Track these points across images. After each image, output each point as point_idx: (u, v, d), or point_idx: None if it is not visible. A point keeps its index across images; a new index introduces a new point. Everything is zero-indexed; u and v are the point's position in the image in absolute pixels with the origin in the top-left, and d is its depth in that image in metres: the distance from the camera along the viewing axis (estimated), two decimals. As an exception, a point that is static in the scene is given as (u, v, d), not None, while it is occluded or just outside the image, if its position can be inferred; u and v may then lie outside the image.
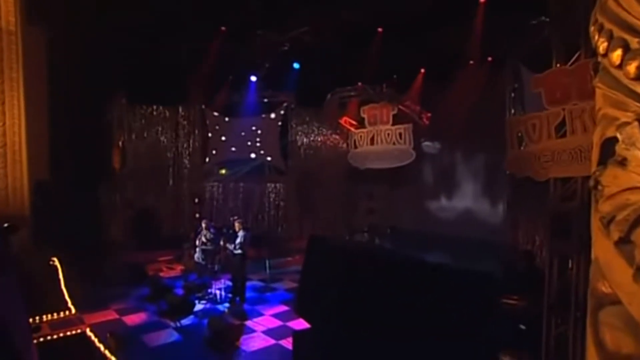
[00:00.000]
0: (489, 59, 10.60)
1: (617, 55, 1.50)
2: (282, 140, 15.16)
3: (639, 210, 1.43)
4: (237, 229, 9.26)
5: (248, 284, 9.71)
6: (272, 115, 15.07)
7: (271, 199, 15.12)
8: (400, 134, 13.17)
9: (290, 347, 6.37)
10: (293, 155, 15.28)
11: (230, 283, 9.43)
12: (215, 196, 14.68)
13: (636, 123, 1.46)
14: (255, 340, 7.31)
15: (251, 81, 13.87)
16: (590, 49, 5.61)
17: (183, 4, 9.86)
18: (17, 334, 3.79)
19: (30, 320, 6.08)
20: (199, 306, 8.67)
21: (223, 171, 14.98)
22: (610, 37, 1.54)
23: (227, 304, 9.01)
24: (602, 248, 1.59)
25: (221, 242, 9.68)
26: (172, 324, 7.79)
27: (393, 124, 13.33)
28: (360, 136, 14.15)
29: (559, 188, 6.41)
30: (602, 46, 1.57)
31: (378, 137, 13.64)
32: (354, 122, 14.36)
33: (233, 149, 14.89)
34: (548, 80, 6.54)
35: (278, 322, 8.13)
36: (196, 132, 14.51)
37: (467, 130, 11.00)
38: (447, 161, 13.10)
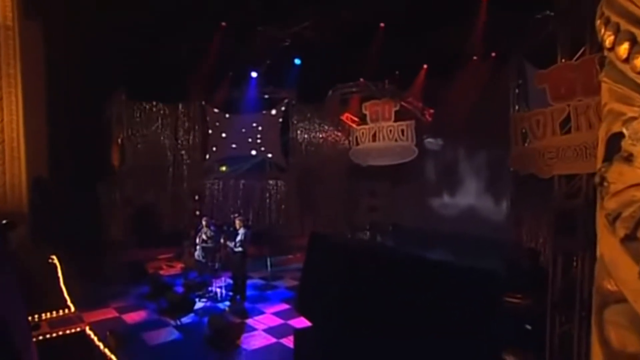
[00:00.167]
0: (493, 54, 10.50)
1: (624, 48, 1.48)
2: (283, 137, 15.10)
3: None
4: (237, 226, 9.21)
5: (249, 282, 9.67)
6: (273, 112, 15.00)
7: (272, 197, 15.08)
8: (402, 131, 13.08)
9: (291, 345, 6.32)
10: (294, 152, 15.22)
11: (230, 281, 9.38)
12: (216, 193, 14.63)
13: None
14: (256, 339, 7.26)
15: (252, 77, 13.79)
16: (596, 44, 5.55)
17: (183, 0, 9.78)
18: (17, 332, 3.76)
19: (29, 318, 6.06)
20: (199, 304, 8.63)
21: (223, 168, 14.93)
22: (617, 31, 1.52)
23: (227, 302, 8.97)
24: (608, 245, 1.58)
25: (221, 240, 9.63)
26: (172, 322, 7.75)
27: (395, 121, 13.24)
28: (362, 133, 14.06)
29: (563, 185, 6.37)
30: (608, 40, 1.56)
31: (380, 133, 13.55)
32: (355, 119, 14.27)
33: (233, 145, 14.82)
34: (553, 75, 6.47)
35: (279, 321, 8.08)
36: (196, 128, 14.45)
37: (470, 126, 10.91)
38: (449, 158, 13.00)
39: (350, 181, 15.16)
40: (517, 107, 9.05)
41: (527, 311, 6.60)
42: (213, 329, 7.11)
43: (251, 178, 14.86)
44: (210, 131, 14.69)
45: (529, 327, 6.47)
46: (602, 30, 1.59)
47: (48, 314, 6.87)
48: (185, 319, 7.88)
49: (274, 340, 7.21)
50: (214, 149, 14.75)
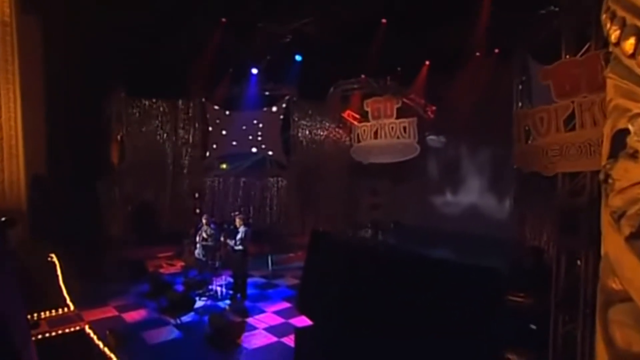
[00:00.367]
0: (496, 50, 10.40)
1: (630, 43, 1.47)
2: (283, 134, 15.01)
3: None
4: (238, 224, 9.18)
5: (249, 280, 9.64)
6: (274, 109, 14.92)
7: (273, 194, 15.01)
8: (404, 128, 13.01)
9: (292, 344, 6.31)
10: (295, 150, 15.13)
11: (231, 279, 9.35)
12: (216, 191, 14.56)
13: None
14: (257, 338, 7.24)
15: (252, 74, 13.68)
16: (601, 40, 5.51)
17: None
18: (16, 331, 3.73)
19: (29, 317, 6.02)
20: (199, 303, 8.61)
21: (224, 166, 14.87)
22: (622, 25, 1.50)
23: (228, 301, 8.95)
24: (613, 244, 1.58)
25: (222, 238, 9.57)
26: (172, 321, 7.73)
27: (397, 118, 13.16)
28: (364, 130, 13.98)
29: (567, 183, 6.37)
30: (614, 34, 1.54)
31: (382, 131, 13.47)
32: (357, 116, 14.19)
33: (234, 143, 14.75)
34: (557, 72, 6.47)
35: (280, 319, 8.05)
36: (196, 126, 14.37)
37: (473, 123, 10.85)
38: (452, 155, 12.93)
39: (351, 179, 15.09)
40: (520, 104, 8.96)
41: (530, 310, 6.56)
42: (213, 328, 7.09)
43: (252, 176, 14.80)
44: (210, 128, 14.62)
45: (533, 326, 6.40)
46: (608, 25, 1.58)
47: (47, 313, 6.81)
48: (186, 318, 7.85)
49: (274, 339, 7.18)
50: (214, 146, 14.68)
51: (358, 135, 14.19)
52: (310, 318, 5.60)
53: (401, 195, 14.18)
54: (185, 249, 11.46)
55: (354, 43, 11.23)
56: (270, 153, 14.96)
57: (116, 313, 8.14)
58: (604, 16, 1.63)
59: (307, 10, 10.59)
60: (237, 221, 9.23)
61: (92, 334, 6.40)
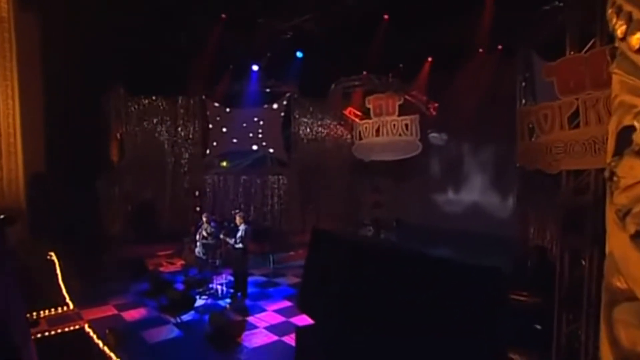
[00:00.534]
0: (499, 46, 10.32)
1: (636, 38, 1.45)
2: (284, 132, 14.94)
3: None
4: (238, 222, 9.14)
5: (250, 279, 9.60)
6: (275, 106, 14.85)
7: (273, 192, 14.95)
8: (406, 125, 12.93)
9: (293, 343, 6.27)
10: (296, 147, 15.06)
11: (231, 278, 9.32)
12: (216, 189, 14.50)
13: None
14: (257, 337, 7.20)
15: (253, 71, 13.61)
16: (606, 35, 5.45)
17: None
18: (16, 329, 3.70)
19: (28, 315, 5.99)
20: (199, 302, 8.57)
21: (224, 163, 14.83)
22: (629, 20, 1.48)
23: (228, 300, 8.90)
24: (618, 242, 1.57)
25: (222, 236, 9.53)
26: (172, 319, 7.69)
27: (399, 115, 13.08)
28: (365, 127, 13.92)
29: (571, 181, 6.34)
30: (620, 29, 1.53)
31: (383, 128, 13.40)
32: (358, 113, 14.13)
33: (234, 140, 14.70)
34: (561, 68, 6.44)
35: (281, 318, 8.01)
36: (196, 123, 14.31)
37: (476, 121, 10.80)
38: (454, 153, 12.89)
39: (353, 177, 15.06)
40: (524, 101, 8.88)
41: (534, 309, 6.50)
42: (214, 327, 7.06)
43: (252, 173, 14.75)
44: (210, 126, 14.57)
45: (538, 327, 6.35)
46: (614, 20, 1.55)
47: (47, 312, 6.79)
48: (186, 317, 7.82)
49: (275, 338, 7.14)
50: (215, 143, 14.63)
51: (359, 132, 14.13)
52: (312, 317, 5.57)
53: (403, 193, 14.14)
54: (185, 247, 11.43)
55: (356, 39, 11.17)
56: (271, 151, 14.91)
57: (116, 312, 8.10)
58: (609, 11, 1.60)
59: (308, 7, 10.50)
60: (238, 219, 9.18)
61: (91, 333, 6.38)
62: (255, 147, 14.76)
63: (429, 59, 12.23)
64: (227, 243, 9.34)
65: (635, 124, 1.47)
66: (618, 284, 1.57)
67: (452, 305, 3.88)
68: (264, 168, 14.94)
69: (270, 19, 11.15)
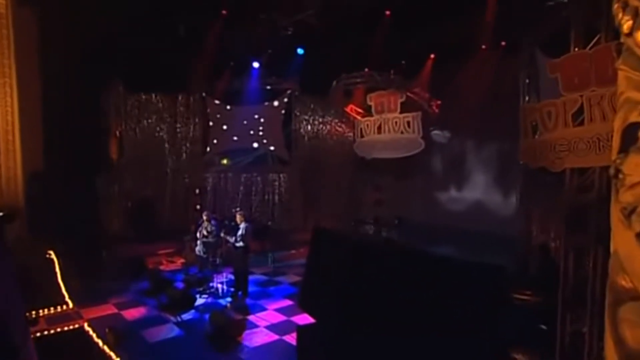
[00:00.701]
0: (502, 43, 10.23)
1: None
2: (285, 129, 14.87)
3: None
4: (238, 221, 9.10)
5: (251, 277, 9.57)
6: (275, 103, 14.78)
7: (274, 190, 14.91)
8: (408, 123, 12.84)
9: (294, 342, 6.32)
10: (297, 145, 15.00)
11: (232, 276, 9.28)
12: (217, 187, 14.45)
13: None
14: (258, 336, 7.18)
15: (253, 67, 13.53)
16: (611, 32, 5.38)
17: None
18: (15, 328, 3.70)
19: (27, 314, 5.97)
20: (200, 300, 8.56)
21: (225, 161, 14.77)
22: (635, 15, 1.46)
23: (229, 298, 8.88)
24: (623, 240, 1.55)
25: (222, 235, 9.50)
26: (172, 318, 7.67)
27: (401, 112, 12.97)
28: (367, 125, 13.84)
29: (575, 179, 6.31)
30: (626, 25, 1.50)
31: (385, 125, 13.30)
32: (360, 110, 14.04)
33: (235, 138, 14.64)
34: (565, 65, 6.40)
35: (282, 317, 7.98)
36: (196, 121, 14.25)
37: (479, 118, 10.71)
38: (457, 151, 12.80)
39: (354, 174, 15.00)
40: (527, 98, 8.82)
41: (537, 308, 6.46)
42: (214, 326, 7.03)
43: (253, 171, 14.69)
44: (211, 123, 14.50)
45: (544, 327, 6.30)
46: (620, 15, 1.53)
47: (46, 310, 6.80)
48: (186, 316, 7.79)
49: (276, 337, 7.12)
50: (215, 141, 14.57)
51: (361, 130, 14.05)
52: (313, 315, 5.58)
53: (405, 191, 14.08)
54: (185, 245, 11.41)
55: (357, 36, 11.08)
56: (271, 148, 14.85)
57: (116, 310, 8.08)
58: (615, 6, 1.58)
59: (309, 2, 10.41)
60: (238, 217, 9.15)
61: (91, 332, 6.39)
62: (256, 145, 14.69)
63: (432, 55, 12.13)
64: (228, 241, 9.31)
65: (641, 120, 1.40)
66: (623, 282, 1.55)
67: (453, 303, 3.87)
68: (264, 166, 14.88)
69: (271, 15, 11.06)
